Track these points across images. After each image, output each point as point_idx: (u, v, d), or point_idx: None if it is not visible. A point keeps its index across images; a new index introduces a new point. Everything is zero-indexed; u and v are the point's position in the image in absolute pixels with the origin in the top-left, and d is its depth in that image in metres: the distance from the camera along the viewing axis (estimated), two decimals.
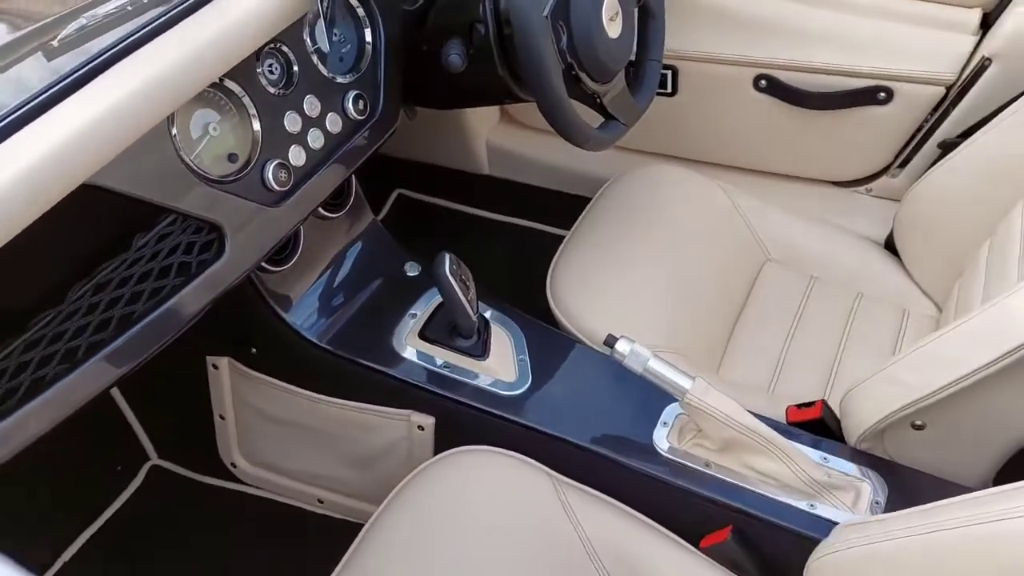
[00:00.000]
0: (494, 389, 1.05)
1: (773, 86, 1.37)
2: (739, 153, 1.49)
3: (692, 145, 1.48)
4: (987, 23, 1.25)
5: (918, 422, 0.94)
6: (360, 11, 1.01)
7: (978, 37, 1.25)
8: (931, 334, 0.93)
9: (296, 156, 0.92)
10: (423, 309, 1.12)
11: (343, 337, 1.07)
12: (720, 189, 1.37)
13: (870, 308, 1.27)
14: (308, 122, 0.94)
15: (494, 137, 1.62)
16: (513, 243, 1.68)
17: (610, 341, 0.96)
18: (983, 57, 1.22)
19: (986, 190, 1.14)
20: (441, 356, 1.07)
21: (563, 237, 1.31)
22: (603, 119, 1.11)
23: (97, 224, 0.74)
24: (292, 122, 0.92)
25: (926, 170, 1.35)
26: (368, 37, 1.02)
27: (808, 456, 0.97)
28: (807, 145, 1.43)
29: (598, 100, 1.08)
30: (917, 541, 0.73)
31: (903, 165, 1.39)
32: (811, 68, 1.33)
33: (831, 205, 1.45)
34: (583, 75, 1.04)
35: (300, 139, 0.93)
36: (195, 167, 0.81)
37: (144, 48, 0.73)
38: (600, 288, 1.22)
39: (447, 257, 1.00)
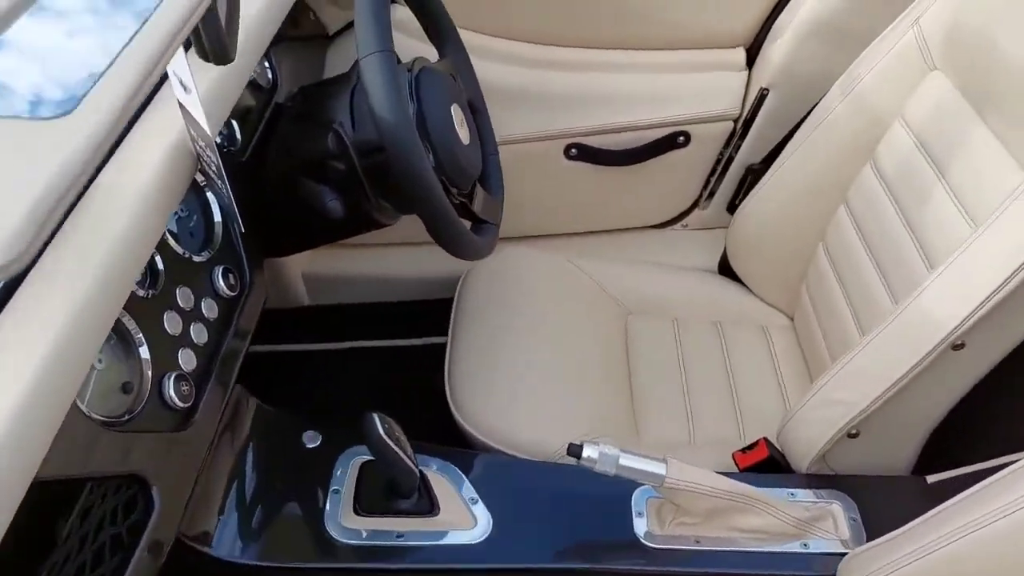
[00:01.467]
0: (460, 542, 0.95)
1: (583, 152, 1.41)
2: (568, 219, 1.52)
3: (524, 222, 1.48)
4: (751, 58, 1.39)
5: (854, 431, 1.00)
6: (197, 176, 0.87)
7: (747, 72, 1.39)
8: (850, 350, 1.00)
9: (187, 361, 0.77)
10: (344, 481, 0.98)
11: (276, 545, 0.90)
12: (564, 259, 1.39)
13: (735, 334, 1.35)
14: (187, 317, 0.79)
15: (312, 267, 1.50)
16: (367, 368, 1.57)
17: (575, 451, 0.91)
18: (761, 88, 1.35)
19: (806, 202, 1.26)
20: (392, 526, 0.94)
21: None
22: (473, 225, 1.07)
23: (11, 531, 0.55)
24: (173, 323, 0.76)
25: (734, 195, 1.48)
26: (212, 201, 0.88)
27: (783, 499, 0.98)
28: (626, 198, 1.49)
29: (468, 207, 1.04)
30: (938, 556, 0.76)
31: (711, 196, 1.50)
32: (615, 128, 1.39)
33: (660, 247, 1.53)
34: (451, 187, 0.99)
35: (185, 339, 0.78)
36: (93, 415, 0.64)
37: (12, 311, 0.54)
38: (505, 394, 1.17)
39: (375, 418, 0.89)
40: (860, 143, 1.17)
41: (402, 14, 1.20)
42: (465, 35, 1.17)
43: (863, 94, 1.15)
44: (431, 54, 1.11)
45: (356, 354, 1.56)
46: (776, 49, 1.32)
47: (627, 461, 0.91)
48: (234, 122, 0.99)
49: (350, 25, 1.34)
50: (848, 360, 0.99)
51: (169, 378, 0.72)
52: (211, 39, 0.68)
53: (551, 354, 1.23)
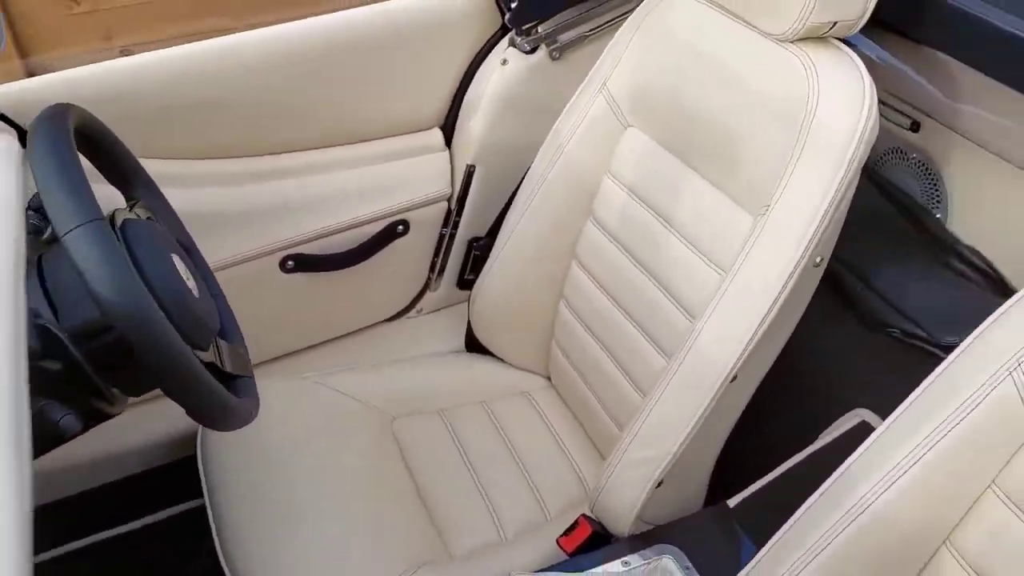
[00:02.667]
0: None
1: (301, 263, 1.30)
2: (298, 336, 1.40)
3: (252, 351, 1.32)
4: (448, 136, 1.38)
5: (659, 482, 1.03)
6: None
7: (447, 151, 1.38)
8: (641, 408, 1.02)
9: None
10: None
11: None
12: (308, 380, 1.28)
13: (503, 409, 1.33)
14: None
15: None
16: (119, 561, 1.30)
17: None
18: (467, 165, 1.35)
19: (539, 266, 1.28)
20: None
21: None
22: (228, 385, 0.92)
23: None
24: None
25: (462, 270, 1.46)
26: None
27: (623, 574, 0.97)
28: (354, 298, 1.41)
29: (218, 367, 0.89)
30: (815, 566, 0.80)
31: (439, 277, 1.47)
32: (332, 231, 1.31)
33: (401, 339, 1.47)
34: (195, 349, 0.84)
35: None
36: None
37: None
38: (289, 556, 1.03)
39: None
40: (577, 202, 1.22)
41: None
42: (154, 165, 1.01)
43: (570, 157, 1.19)
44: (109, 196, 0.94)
45: (100, 549, 1.29)
46: (473, 126, 1.33)
47: None
48: None
49: None
50: (644, 417, 1.01)
51: None
52: None
53: (328, 495, 1.11)
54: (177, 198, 1.04)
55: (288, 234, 1.27)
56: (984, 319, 0.77)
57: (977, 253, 1.18)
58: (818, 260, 0.93)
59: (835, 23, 0.90)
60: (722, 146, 1.01)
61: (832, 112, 0.89)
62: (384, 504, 1.14)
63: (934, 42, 1.07)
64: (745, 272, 0.93)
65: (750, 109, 0.97)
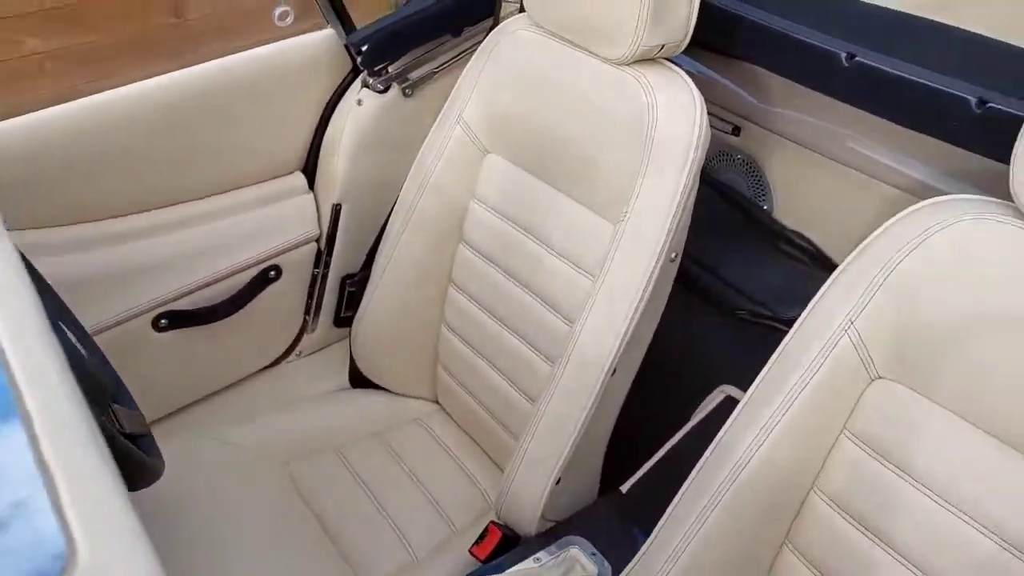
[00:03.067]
0: None
1: (176, 319, 1.29)
2: (179, 393, 1.37)
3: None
4: (311, 178, 1.41)
5: (558, 479, 1.10)
6: None
7: (311, 193, 1.41)
8: (533, 414, 1.09)
9: None
10: None
11: None
12: (199, 437, 1.27)
13: (398, 437, 1.36)
14: None
15: None
16: None
17: None
18: (333, 204, 1.38)
19: (417, 293, 1.33)
20: None
21: None
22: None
23: None
24: None
25: (338, 308, 1.49)
26: None
27: (535, 569, 1.03)
28: (233, 348, 1.40)
29: (118, 427, 0.87)
30: (701, 535, 0.89)
31: (316, 317, 1.48)
32: (204, 283, 1.30)
33: (285, 384, 1.47)
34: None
35: None
36: None
37: None
38: None
39: None
40: (448, 227, 1.28)
41: None
42: (17, 235, 0.98)
43: (435, 186, 1.25)
44: None
45: None
46: (334, 166, 1.37)
47: None
48: None
49: None
50: (538, 421, 1.08)
51: None
52: None
53: (234, 552, 1.11)
54: (48, 265, 1.02)
55: (158, 292, 1.26)
56: (816, 292, 0.89)
57: (803, 237, 1.34)
58: (673, 256, 1.04)
59: (663, 46, 1.02)
60: (578, 164, 1.10)
61: (670, 125, 1.00)
62: (292, 551, 1.14)
63: (743, 55, 1.22)
64: (612, 274, 1.02)
65: (599, 129, 1.07)
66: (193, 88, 1.21)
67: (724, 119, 1.37)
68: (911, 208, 0.85)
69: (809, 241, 1.34)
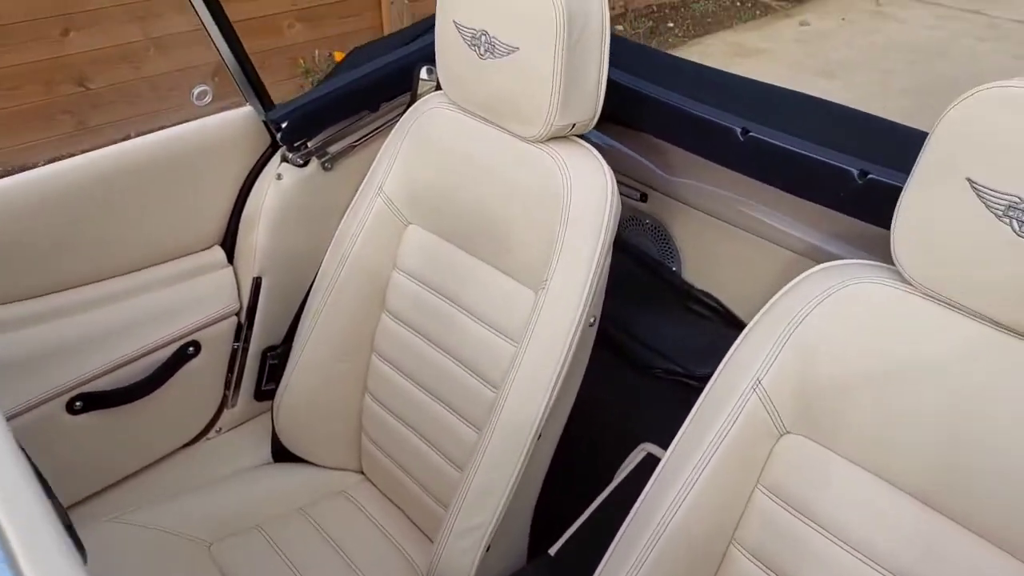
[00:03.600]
0: None
1: (91, 401, 1.25)
2: (92, 478, 1.32)
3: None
4: (230, 253, 1.41)
5: (488, 546, 1.11)
6: None
7: (231, 267, 1.41)
8: (462, 481, 1.10)
9: None
10: None
11: None
12: (117, 523, 1.23)
13: (323, 513, 1.35)
14: None
15: None
16: None
17: None
18: (254, 277, 1.38)
19: (340, 365, 1.34)
20: None
21: None
22: None
23: None
24: None
25: (258, 382, 1.48)
26: None
27: None
28: (152, 429, 1.36)
29: None
30: None
31: (236, 393, 1.47)
32: (120, 363, 1.27)
33: (205, 462, 1.43)
34: None
35: None
36: None
37: None
38: None
39: None
40: (370, 298, 1.30)
41: None
42: None
43: (357, 258, 1.27)
44: None
45: None
46: (254, 240, 1.37)
47: None
48: None
49: None
50: (466, 489, 1.09)
51: None
52: None
53: None
54: None
55: (73, 374, 1.22)
56: (726, 349, 0.95)
57: (710, 296, 1.42)
58: (592, 320, 1.09)
59: (574, 124, 1.08)
60: (498, 235, 1.14)
61: (583, 199, 1.06)
62: None
63: (648, 129, 1.30)
64: (535, 341, 1.06)
65: (516, 202, 1.11)
66: (110, 167, 1.21)
67: (632, 186, 1.45)
68: (811, 271, 0.92)
69: (717, 301, 1.41)
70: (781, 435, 0.90)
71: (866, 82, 3.83)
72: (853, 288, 0.87)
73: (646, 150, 1.40)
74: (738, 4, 5.04)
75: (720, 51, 4.34)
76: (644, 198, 1.45)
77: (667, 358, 1.36)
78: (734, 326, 1.37)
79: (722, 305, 1.40)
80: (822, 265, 0.92)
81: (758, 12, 4.95)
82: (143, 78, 3.08)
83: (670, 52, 4.33)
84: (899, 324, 0.83)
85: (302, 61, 3.53)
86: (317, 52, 3.56)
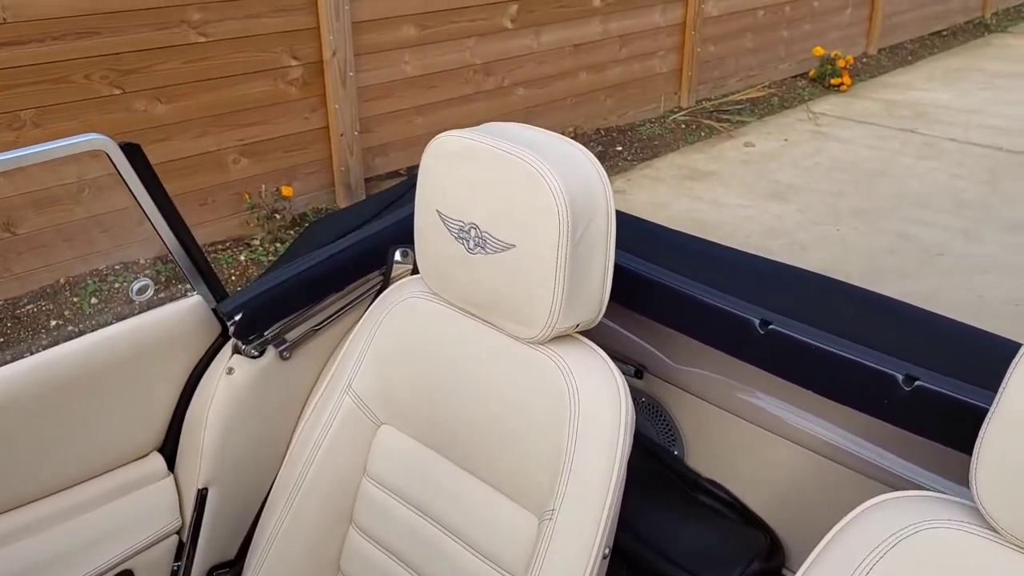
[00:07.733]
0: None
1: None
2: None
3: None
4: (171, 461, 1.22)
5: None
6: None
7: (172, 476, 1.21)
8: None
9: None
10: None
11: None
12: None
13: None
14: None
15: None
16: None
17: None
18: (198, 489, 1.19)
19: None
20: None
21: None
22: None
23: None
24: None
25: None
26: None
27: None
28: None
29: None
30: None
31: None
32: None
33: None
34: None
35: None
36: None
37: None
38: None
39: None
40: (336, 510, 1.12)
41: None
42: None
43: (322, 463, 1.10)
44: None
45: None
46: (200, 445, 1.18)
47: None
48: None
49: None
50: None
51: None
52: None
53: None
54: None
55: None
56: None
57: (718, 485, 1.27)
58: (606, 552, 0.92)
59: (578, 324, 0.95)
60: (490, 448, 0.99)
61: (594, 409, 0.91)
62: None
63: (654, 316, 1.17)
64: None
65: (512, 411, 0.96)
66: (36, 379, 1.03)
67: (626, 361, 1.32)
68: (870, 503, 0.79)
69: (726, 491, 1.26)
70: None
71: (816, 204, 3.86)
72: (929, 534, 0.74)
73: (639, 328, 1.27)
74: (683, 127, 5.13)
75: (671, 174, 4.36)
76: (639, 374, 1.32)
77: (680, 567, 1.19)
78: (751, 523, 1.22)
79: (733, 496, 1.25)
80: (882, 497, 0.79)
81: (703, 133, 5.04)
82: (73, 221, 2.90)
83: (620, 176, 4.34)
84: None
85: (248, 196, 3.39)
86: (264, 187, 3.44)
